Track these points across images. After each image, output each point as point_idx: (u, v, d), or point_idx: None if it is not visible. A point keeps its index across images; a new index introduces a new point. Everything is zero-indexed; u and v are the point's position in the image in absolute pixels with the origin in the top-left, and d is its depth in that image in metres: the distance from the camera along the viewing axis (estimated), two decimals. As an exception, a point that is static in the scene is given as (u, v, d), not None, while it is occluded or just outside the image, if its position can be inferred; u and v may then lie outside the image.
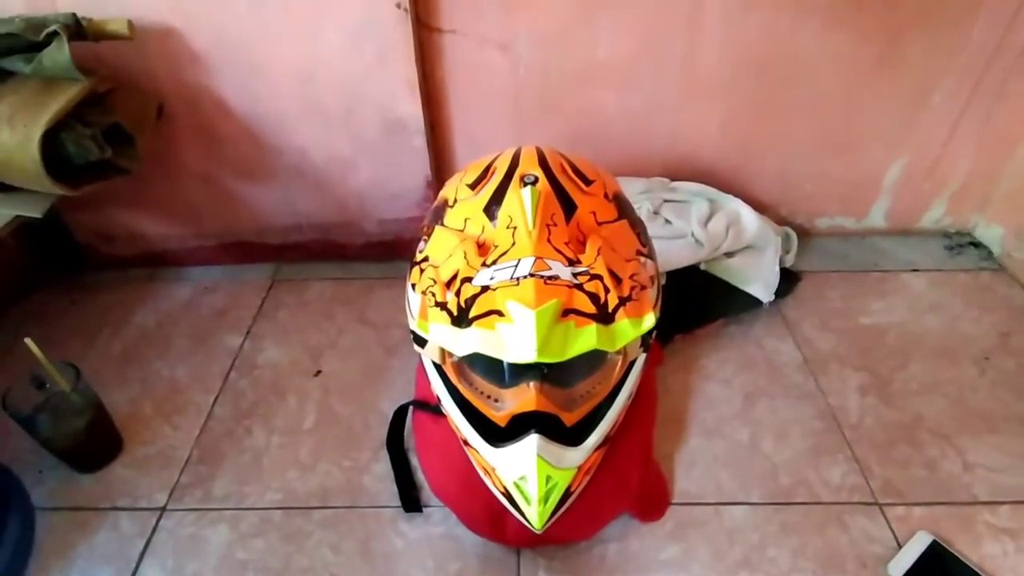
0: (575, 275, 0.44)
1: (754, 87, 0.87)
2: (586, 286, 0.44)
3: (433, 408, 0.63)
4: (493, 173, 0.54)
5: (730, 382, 0.79)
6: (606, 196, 0.54)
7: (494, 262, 0.45)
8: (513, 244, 0.46)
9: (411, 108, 0.84)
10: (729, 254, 0.85)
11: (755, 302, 0.84)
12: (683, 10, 0.80)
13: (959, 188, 0.98)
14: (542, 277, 0.43)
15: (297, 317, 0.91)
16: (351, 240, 0.99)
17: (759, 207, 0.91)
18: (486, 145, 0.90)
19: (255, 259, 1.00)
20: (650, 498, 0.64)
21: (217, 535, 0.63)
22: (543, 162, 0.54)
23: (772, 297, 0.85)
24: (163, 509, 0.66)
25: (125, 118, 0.72)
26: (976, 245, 1.01)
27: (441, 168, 0.94)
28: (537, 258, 0.44)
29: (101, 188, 0.72)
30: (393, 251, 0.99)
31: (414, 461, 0.69)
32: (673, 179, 0.93)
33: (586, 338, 0.43)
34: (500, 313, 0.41)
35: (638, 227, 0.55)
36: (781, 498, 0.66)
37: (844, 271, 0.97)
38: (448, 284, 0.46)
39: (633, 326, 0.46)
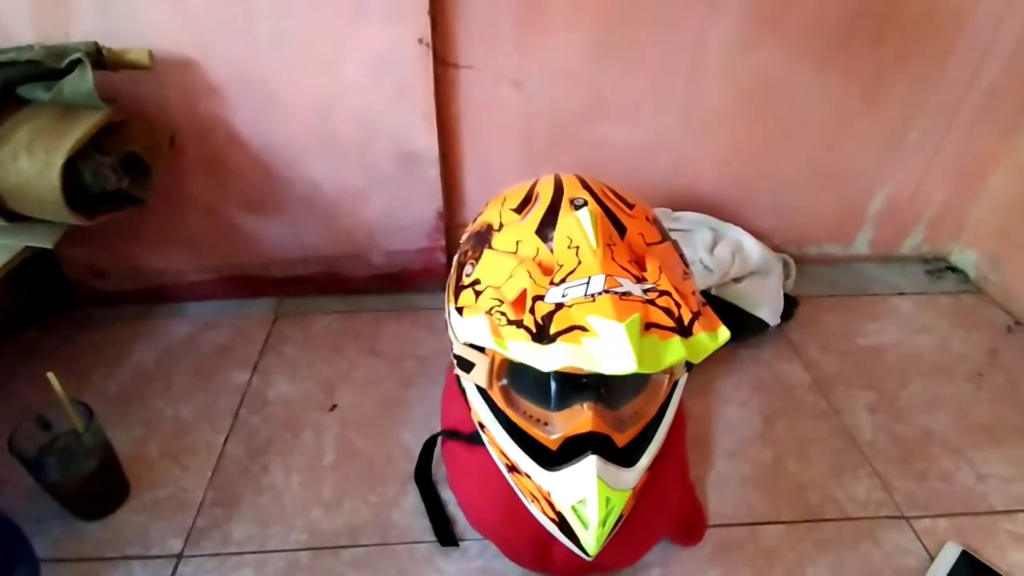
0: (644, 291, 0.45)
1: (751, 124, 0.92)
2: (658, 301, 0.45)
3: (466, 437, 0.62)
4: (538, 198, 0.55)
5: (747, 404, 0.81)
6: (647, 219, 0.56)
7: (562, 281, 0.46)
8: (579, 263, 0.47)
9: (427, 140, 0.85)
10: (737, 279, 0.88)
11: (763, 326, 0.87)
12: (685, 52, 0.85)
13: (935, 217, 1.05)
14: (616, 293, 0.43)
15: (305, 351, 0.88)
16: (357, 273, 0.98)
17: (755, 235, 0.95)
18: (497, 176, 0.93)
19: (256, 293, 0.97)
20: (688, 522, 0.64)
21: (242, 581, 0.60)
22: (587, 187, 0.56)
23: (778, 320, 0.88)
24: (180, 556, 0.62)
25: (141, 148, 0.70)
26: (953, 269, 1.08)
27: (451, 199, 0.94)
28: (607, 276, 0.45)
29: (114, 219, 0.70)
30: (399, 283, 0.99)
31: (444, 494, 0.67)
32: (675, 209, 0.97)
33: (674, 350, 0.43)
34: (583, 328, 0.42)
35: (678, 248, 0.56)
36: (812, 516, 0.67)
37: (837, 295, 1.01)
38: (516, 303, 0.46)
39: (711, 339, 0.47)
